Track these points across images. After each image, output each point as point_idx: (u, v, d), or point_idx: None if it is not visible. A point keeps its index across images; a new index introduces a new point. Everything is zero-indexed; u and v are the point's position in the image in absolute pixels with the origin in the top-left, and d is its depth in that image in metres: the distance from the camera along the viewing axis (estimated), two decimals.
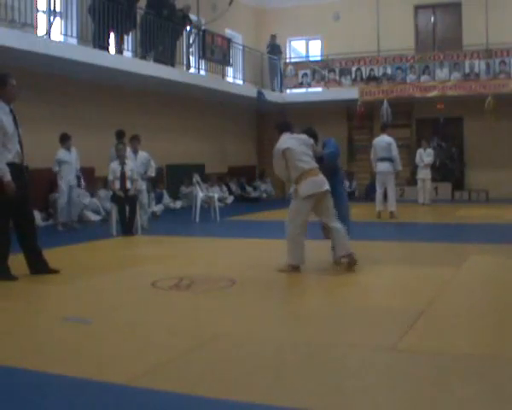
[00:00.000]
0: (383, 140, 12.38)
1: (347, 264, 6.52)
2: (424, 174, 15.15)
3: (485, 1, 16.82)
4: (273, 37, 19.06)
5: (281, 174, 6.78)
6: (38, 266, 6.39)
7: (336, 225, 6.53)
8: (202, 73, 15.81)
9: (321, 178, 6.53)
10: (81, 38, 11.73)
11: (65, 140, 10.94)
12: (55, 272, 6.43)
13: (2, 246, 6.16)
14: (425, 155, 15.23)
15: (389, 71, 17.73)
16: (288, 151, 6.53)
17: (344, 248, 6.51)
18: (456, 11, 18.66)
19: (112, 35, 12.39)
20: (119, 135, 11.05)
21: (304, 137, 6.77)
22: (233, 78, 18.10)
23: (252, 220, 13.00)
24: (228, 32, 18.15)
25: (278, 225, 11.77)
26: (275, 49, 19.02)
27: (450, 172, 18.02)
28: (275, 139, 6.91)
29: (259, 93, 17.43)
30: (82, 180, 11.59)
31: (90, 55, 11.29)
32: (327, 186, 6.49)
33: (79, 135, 11.55)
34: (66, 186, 10.94)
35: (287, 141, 6.63)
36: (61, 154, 10.93)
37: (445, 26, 19.07)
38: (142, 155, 11.09)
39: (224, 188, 17.22)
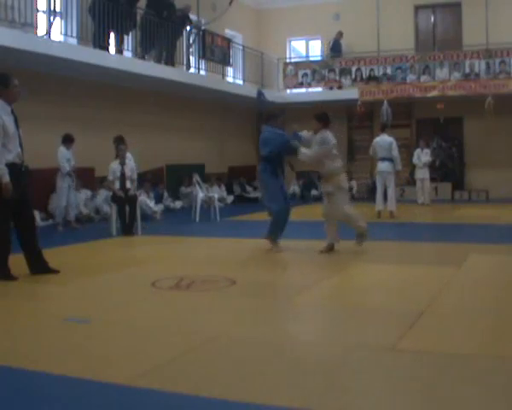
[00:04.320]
0: (384, 140, 12.37)
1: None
2: (422, 174, 15.16)
3: (485, 1, 16.80)
4: (339, 34, 18.75)
5: (317, 160, 7.65)
6: (38, 266, 6.39)
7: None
8: (202, 73, 15.81)
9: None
10: (81, 38, 11.73)
11: (69, 141, 11.04)
12: (56, 272, 6.43)
13: (2, 246, 6.17)
14: (423, 155, 15.24)
15: (389, 71, 17.72)
16: (334, 146, 7.63)
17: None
18: (456, 11, 18.66)
19: (112, 35, 12.39)
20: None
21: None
22: (233, 78, 18.10)
23: (252, 220, 12.99)
24: (228, 32, 18.14)
25: None
26: (336, 47, 18.77)
27: (451, 172, 18.02)
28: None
29: (259, 93, 17.43)
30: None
31: (90, 55, 11.29)
32: None
33: (79, 135, 11.54)
34: (66, 186, 11.01)
35: (330, 135, 7.62)
36: (67, 153, 11.01)
37: (445, 26, 19.07)
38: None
39: (224, 187, 17.20)
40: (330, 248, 7.82)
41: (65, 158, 10.99)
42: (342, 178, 7.81)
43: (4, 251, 6.18)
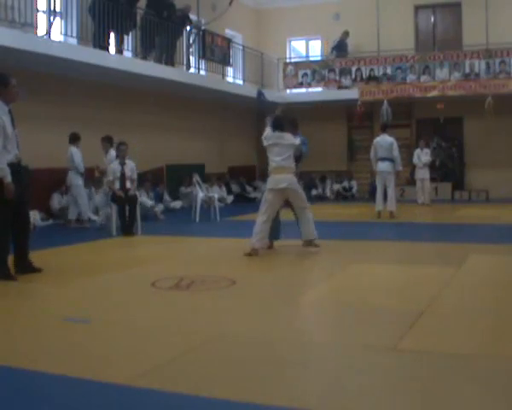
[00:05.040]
0: (385, 140, 12.35)
1: (307, 245, 7.84)
2: (422, 174, 15.15)
3: (485, 1, 16.81)
4: (345, 33, 18.62)
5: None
6: (23, 265, 6.36)
7: (304, 215, 7.77)
8: (202, 73, 15.81)
9: (283, 176, 7.60)
10: (81, 38, 11.73)
11: (78, 140, 11.20)
12: (39, 270, 6.40)
13: (2, 246, 6.16)
14: (423, 155, 15.23)
15: (389, 71, 17.72)
16: (268, 147, 7.79)
17: (309, 234, 7.77)
18: (456, 11, 18.66)
19: (112, 35, 12.40)
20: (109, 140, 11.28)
21: (288, 139, 7.75)
22: (233, 78, 18.10)
23: (252, 220, 12.95)
24: (228, 32, 18.15)
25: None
26: (342, 46, 18.66)
27: (451, 172, 18.02)
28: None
29: (259, 93, 17.43)
30: None
31: (90, 55, 11.29)
32: (284, 184, 7.58)
33: (80, 135, 11.55)
34: (82, 185, 11.27)
35: (271, 138, 7.78)
36: (79, 153, 11.11)
37: (445, 26, 19.07)
38: (111, 155, 11.12)
39: (224, 188, 17.20)
40: (307, 244, 7.83)
41: (80, 158, 11.10)
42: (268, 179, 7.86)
43: (4, 251, 6.18)
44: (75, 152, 11.13)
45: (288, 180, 7.63)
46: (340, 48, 18.64)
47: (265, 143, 7.84)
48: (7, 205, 6.09)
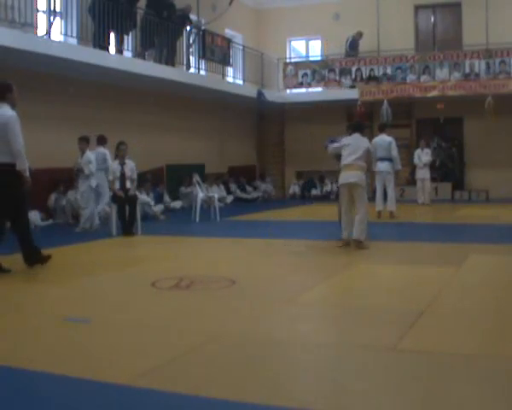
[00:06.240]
0: (383, 140, 12.35)
1: (355, 246, 8.09)
2: (423, 174, 15.15)
3: (485, 1, 16.81)
4: (358, 34, 18.50)
5: (331, 155, 8.98)
6: None
7: (357, 214, 8.14)
8: (202, 73, 15.81)
9: (352, 173, 8.18)
10: (81, 38, 11.74)
11: (106, 141, 11.27)
12: None
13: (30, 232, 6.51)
14: (423, 155, 15.23)
15: (389, 71, 17.72)
16: (344, 147, 8.47)
17: (356, 233, 8.09)
18: (456, 11, 18.66)
19: (112, 35, 12.40)
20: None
21: (364, 143, 8.52)
22: (233, 78, 18.10)
23: (252, 220, 12.99)
24: (228, 32, 18.15)
25: (279, 224, 11.80)
26: (353, 44, 18.58)
27: (451, 172, 18.02)
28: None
29: (259, 93, 17.43)
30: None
31: (90, 55, 11.29)
32: (354, 179, 8.14)
33: (79, 135, 11.54)
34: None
35: (348, 139, 8.60)
36: (110, 155, 11.15)
37: (445, 26, 19.07)
38: (87, 156, 11.07)
39: (222, 187, 17.17)
40: (354, 245, 8.24)
41: (111, 159, 11.10)
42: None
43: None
44: (107, 154, 11.15)
45: (358, 176, 8.23)
46: (352, 47, 18.59)
47: (339, 145, 8.61)
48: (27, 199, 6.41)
